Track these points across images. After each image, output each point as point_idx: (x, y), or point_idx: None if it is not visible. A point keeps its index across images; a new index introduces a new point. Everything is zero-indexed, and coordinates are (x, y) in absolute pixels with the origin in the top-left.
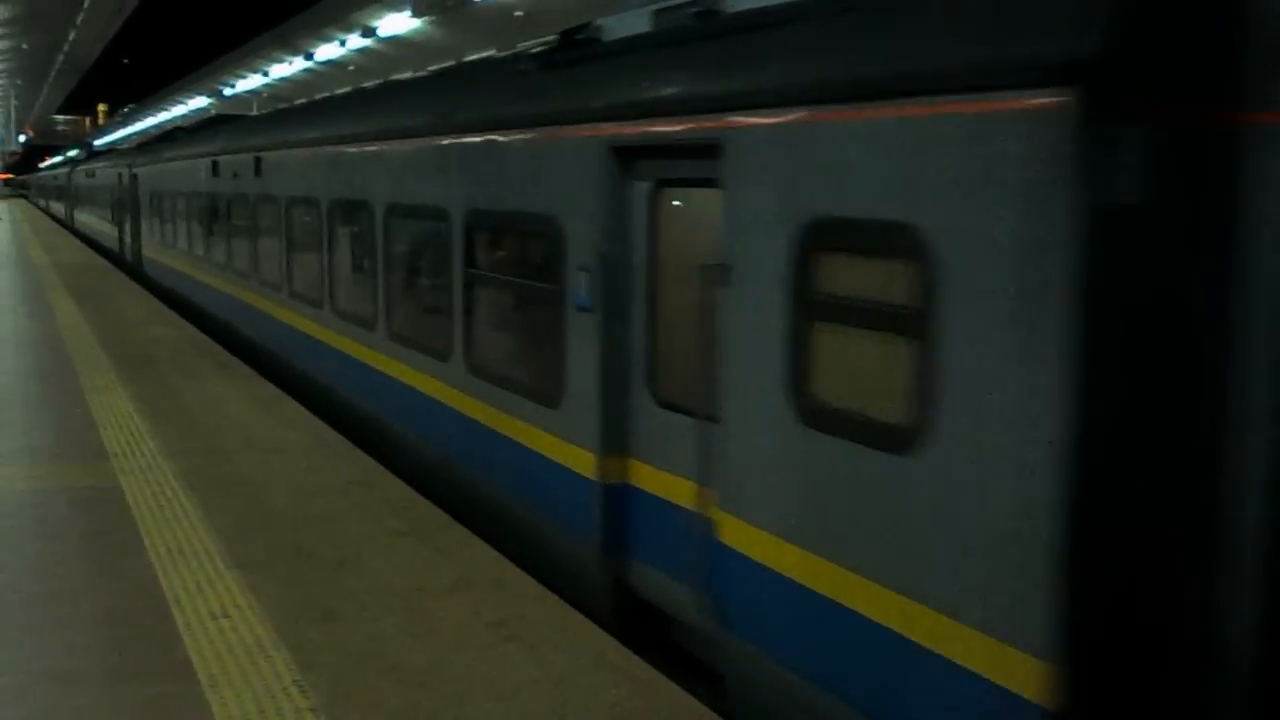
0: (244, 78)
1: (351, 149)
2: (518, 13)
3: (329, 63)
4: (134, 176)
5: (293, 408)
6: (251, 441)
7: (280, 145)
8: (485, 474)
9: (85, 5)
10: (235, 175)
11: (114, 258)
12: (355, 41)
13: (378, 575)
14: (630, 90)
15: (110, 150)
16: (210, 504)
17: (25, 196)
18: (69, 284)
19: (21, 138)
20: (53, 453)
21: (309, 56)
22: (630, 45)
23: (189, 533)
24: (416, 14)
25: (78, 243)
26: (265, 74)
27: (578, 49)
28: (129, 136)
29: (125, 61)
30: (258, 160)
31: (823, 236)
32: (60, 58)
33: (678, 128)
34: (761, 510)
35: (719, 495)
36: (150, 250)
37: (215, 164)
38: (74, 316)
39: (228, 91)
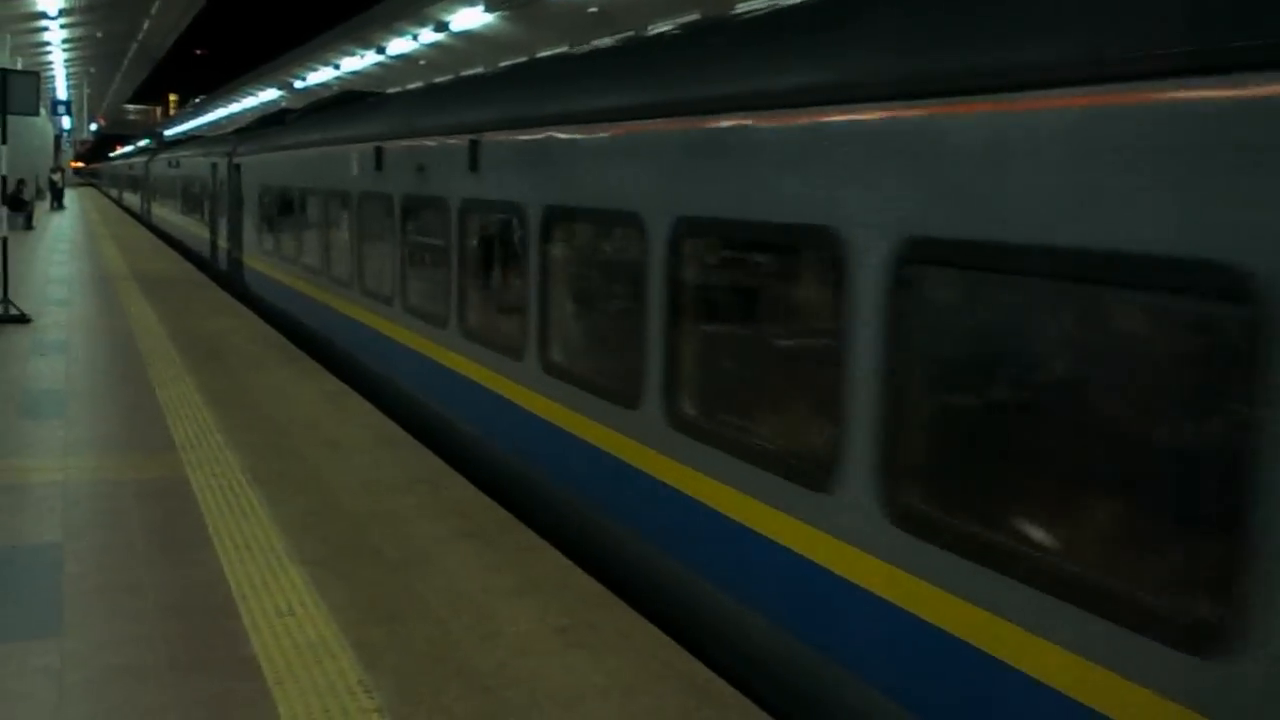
0: (315, 70)
1: (765, 121)
2: (591, 9)
3: (401, 57)
4: (235, 168)
5: (358, 403)
6: (318, 436)
7: (523, 124)
8: None
9: None
10: (421, 170)
11: (202, 263)
12: (427, 36)
13: (443, 576)
14: None
15: (196, 137)
16: (276, 498)
17: (95, 185)
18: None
19: (93, 126)
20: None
21: (381, 50)
22: None
23: (255, 527)
24: (489, 9)
25: (156, 241)
26: (336, 67)
27: None
28: (202, 126)
29: (199, 53)
30: (474, 148)
31: None
32: (133, 46)
33: None
34: None
35: None
36: (258, 261)
37: (379, 153)
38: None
39: (299, 84)
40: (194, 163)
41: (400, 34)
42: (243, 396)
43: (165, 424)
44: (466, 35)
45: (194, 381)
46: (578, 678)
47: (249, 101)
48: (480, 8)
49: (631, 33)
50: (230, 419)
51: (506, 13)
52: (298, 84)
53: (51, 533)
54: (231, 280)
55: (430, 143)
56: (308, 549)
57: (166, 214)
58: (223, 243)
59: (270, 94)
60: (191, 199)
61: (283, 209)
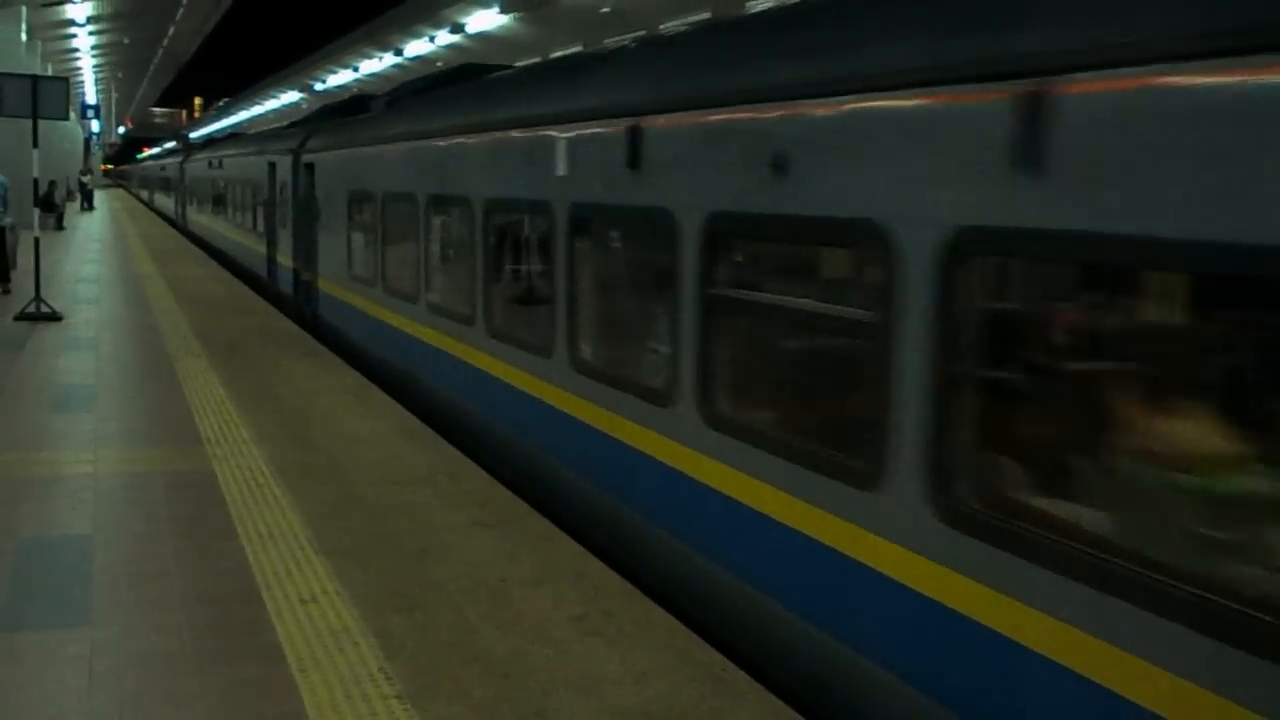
0: (334, 73)
1: None
2: (604, 9)
3: (418, 58)
4: (306, 169)
5: (379, 397)
6: (339, 429)
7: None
8: None
9: (184, 1)
10: (781, 168)
11: (255, 281)
12: (444, 38)
13: (461, 565)
14: None
15: (237, 134)
16: (299, 490)
17: (124, 186)
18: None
19: (121, 129)
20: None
21: (399, 53)
22: None
23: (279, 518)
24: (504, 10)
25: (181, 240)
26: (355, 69)
27: None
28: (229, 127)
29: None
30: (1035, 111)
31: None
32: (159, 52)
33: None
34: None
35: None
36: (344, 290)
37: (635, 139)
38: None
39: (319, 86)
40: (243, 162)
41: (417, 36)
42: (266, 390)
43: (192, 418)
44: (483, 37)
45: (219, 377)
46: (593, 665)
47: (272, 104)
48: (495, 9)
49: None
50: (254, 413)
51: (521, 14)
52: (318, 86)
53: (82, 524)
54: (299, 308)
55: (824, 113)
56: (330, 539)
57: (207, 221)
58: (285, 260)
59: (292, 96)
60: (239, 207)
61: (393, 224)
